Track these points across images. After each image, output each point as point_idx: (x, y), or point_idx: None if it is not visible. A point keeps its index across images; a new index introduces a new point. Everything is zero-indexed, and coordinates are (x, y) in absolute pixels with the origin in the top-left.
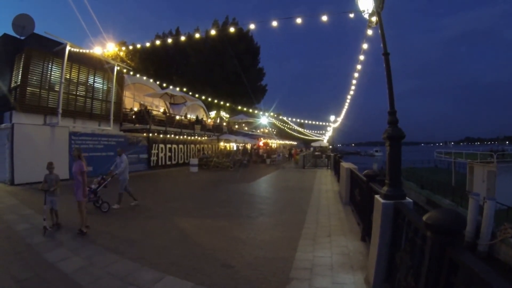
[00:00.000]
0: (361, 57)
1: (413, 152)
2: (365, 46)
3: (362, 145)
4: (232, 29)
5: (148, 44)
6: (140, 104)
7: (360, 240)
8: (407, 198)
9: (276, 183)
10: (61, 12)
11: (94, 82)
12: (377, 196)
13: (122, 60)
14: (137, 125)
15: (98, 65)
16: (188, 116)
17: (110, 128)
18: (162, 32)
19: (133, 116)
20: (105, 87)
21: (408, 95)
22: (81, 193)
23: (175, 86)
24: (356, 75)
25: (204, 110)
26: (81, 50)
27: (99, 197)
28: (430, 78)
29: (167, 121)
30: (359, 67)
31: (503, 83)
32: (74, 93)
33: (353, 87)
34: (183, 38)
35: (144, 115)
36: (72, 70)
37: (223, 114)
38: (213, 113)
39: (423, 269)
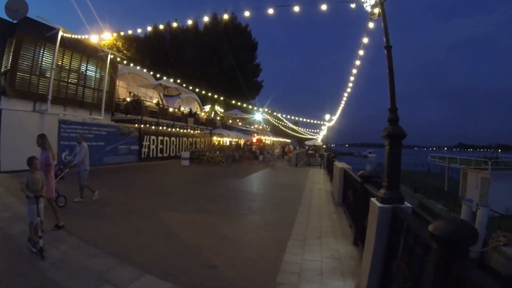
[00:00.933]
0: (360, 52)
1: (406, 156)
2: (365, 40)
3: (356, 146)
4: (226, 16)
5: (139, 30)
6: (130, 94)
7: (352, 244)
8: (405, 202)
9: (267, 180)
10: None
11: (86, 69)
12: (373, 199)
13: (118, 50)
14: (129, 115)
15: (91, 53)
16: (182, 108)
17: (101, 118)
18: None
19: (126, 106)
20: (97, 76)
21: (402, 99)
22: (49, 189)
23: (170, 78)
24: (354, 71)
25: (198, 103)
26: (74, 36)
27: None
28: (425, 83)
29: (160, 112)
30: (357, 62)
31: (499, 91)
32: (66, 80)
33: (350, 84)
34: (175, 24)
35: (136, 105)
36: (65, 56)
37: (217, 108)
38: (207, 107)
39: (425, 284)
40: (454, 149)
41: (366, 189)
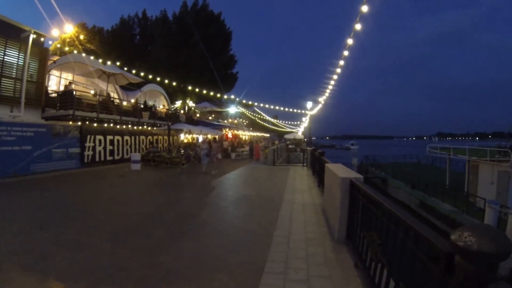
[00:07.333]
0: (350, 41)
1: (389, 147)
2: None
3: (337, 138)
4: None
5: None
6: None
7: None
8: None
9: (230, 188)
10: None
11: (4, 55)
12: None
13: (80, 43)
14: (61, 110)
15: (11, 34)
16: (132, 101)
17: (21, 115)
18: (127, 15)
19: (59, 100)
20: (20, 62)
21: (383, 91)
22: None
23: (137, 70)
24: (341, 62)
25: (165, 97)
26: None
27: None
28: (406, 76)
29: (100, 105)
30: (346, 53)
31: (475, 83)
32: None
33: (339, 67)
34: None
35: (67, 97)
36: None
37: (190, 103)
38: (179, 103)
39: None
40: (433, 138)
41: None
